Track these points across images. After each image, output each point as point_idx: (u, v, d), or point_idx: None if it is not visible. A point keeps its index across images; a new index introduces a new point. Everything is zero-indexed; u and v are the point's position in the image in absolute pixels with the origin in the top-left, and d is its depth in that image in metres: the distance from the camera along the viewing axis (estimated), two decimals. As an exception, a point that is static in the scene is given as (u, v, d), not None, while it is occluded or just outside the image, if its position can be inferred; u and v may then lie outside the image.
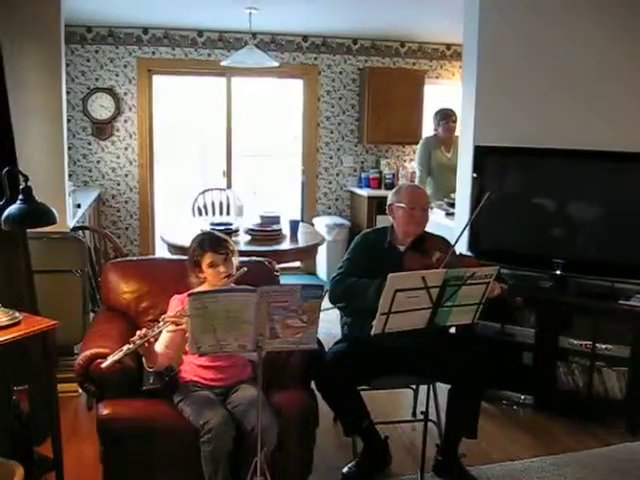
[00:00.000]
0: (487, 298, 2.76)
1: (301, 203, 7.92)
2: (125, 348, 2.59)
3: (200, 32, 7.19)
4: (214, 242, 3.00)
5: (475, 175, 4.29)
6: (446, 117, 6.11)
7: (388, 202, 3.44)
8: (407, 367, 3.24)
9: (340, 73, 7.64)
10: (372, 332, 2.64)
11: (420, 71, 7.72)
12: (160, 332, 2.73)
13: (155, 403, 2.87)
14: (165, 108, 7.58)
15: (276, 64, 5.93)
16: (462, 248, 4.01)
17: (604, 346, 3.89)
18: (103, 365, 2.63)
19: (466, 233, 4.25)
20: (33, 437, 3.04)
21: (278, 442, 2.74)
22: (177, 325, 2.73)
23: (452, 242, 3.28)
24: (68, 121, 5.95)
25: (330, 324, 3.69)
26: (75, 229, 4.61)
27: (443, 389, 3.32)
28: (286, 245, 5.13)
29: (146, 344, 2.65)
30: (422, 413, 2.98)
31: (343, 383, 3.14)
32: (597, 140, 3.98)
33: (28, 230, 3.17)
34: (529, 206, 4.24)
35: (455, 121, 6.06)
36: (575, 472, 3.39)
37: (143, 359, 2.78)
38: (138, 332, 2.64)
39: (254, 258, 3.60)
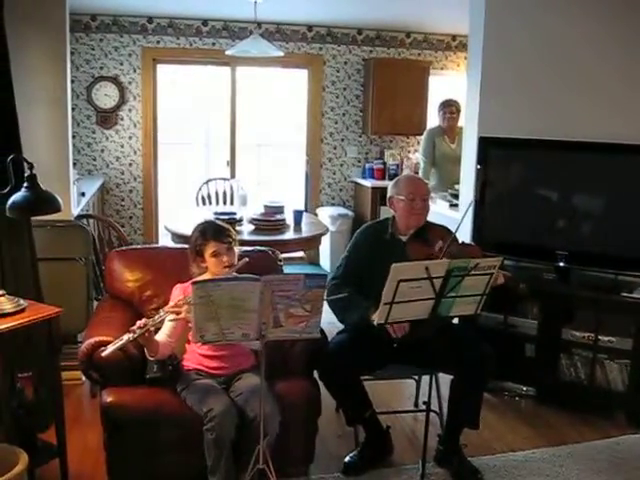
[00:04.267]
0: (491, 287, 2.77)
1: (305, 193, 7.90)
2: (125, 338, 2.61)
3: (205, 21, 7.17)
4: (217, 231, 2.99)
5: (479, 166, 4.29)
6: (445, 106, 6.10)
7: (388, 195, 3.44)
8: (410, 357, 3.25)
9: (345, 63, 7.61)
10: (375, 322, 2.64)
11: (425, 62, 7.69)
12: (160, 322, 2.73)
13: (158, 391, 2.89)
14: (169, 97, 7.57)
15: (281, 54, 5.92)
16: (465, 240, 4.00)
17: (607, 338, 3.89)
18: (103, 354, 2.64)
19: (470, 225, 4.26)
20: (37, 424, 3.07)
21: (280, 430, 2.76)
22: (177, 315, 2.74)
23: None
24: (72, 110, 5.93)
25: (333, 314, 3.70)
26: (79, 217, 4.62)
27: (445, 379, 3.33)
28: (290, 235, 5.13)
29: (146, 334, 2.65)
30: (424, 403, 2.99)
31: (346, 373, 3.15)
32: (602, 132, 3.97)
33: (33, 218, 3.18)
34: (533, 198, 4.23)
35: (455, 111, 6.04)
36: (576, 464, 3.40)
37: (144, 348, 2.79)
38: (138, 322, 2.65)
39: (258, 248, 3.60)
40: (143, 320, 2.65)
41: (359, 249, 3.42)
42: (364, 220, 6.43)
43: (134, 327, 2.62)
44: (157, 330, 2.83)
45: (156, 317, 2.68)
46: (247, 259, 2.94)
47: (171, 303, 2.82)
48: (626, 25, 4.23)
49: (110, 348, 2.60)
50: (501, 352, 3.32)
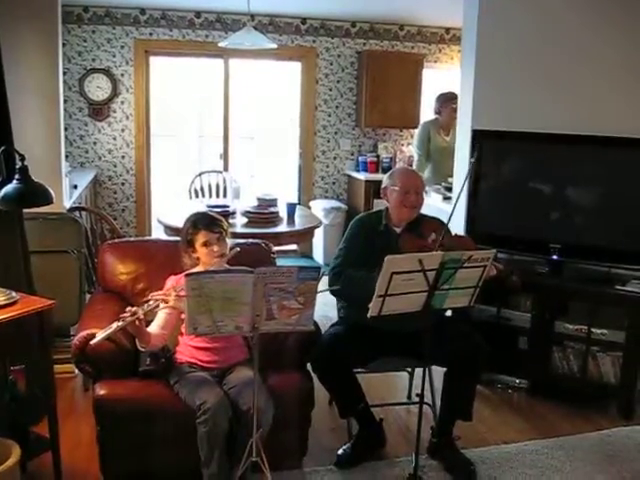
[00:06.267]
0: (484, 279, 2.77)
1: (298, 186, 7.90)
2: (115, 325, 2.57)
3: (198, 13, 7.14)
4: (208, 221, 2.99)
5: (472, 159, 4.28)
6: (451, 99, 6.02)
7: (382, 185, 3.46)
8: (403, 350, 3.26)
9: (338, 56, 7.60)
10: (369, 314, 2.64)
11: (419, 55, 7.69)
12: (150, 310, 2.71)
13: (151, 384, 2.88)
14: (162, 90, 7.54)
15: (274, 46, 5.89)
16: (459, 232, 4.00)
17: (599, 331, 3.90)
18: (92, 342, 2.63)
19: (463, 218, 4.26)
20: (29, 417, 3.05)
21: (273, 423, 2.76)
22: (166, 302, 2.73)
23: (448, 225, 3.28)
24: (65, 102, 5.90)
25: (327, 306, 3.69)
26: (72, 210, 4.60)
27: (438, 372, 3.33)
28: (283, 228, 5.13)
29: (137, 322, 2.62)
30: (417, 396, 2.98)
31: (339, 365, 3.15)
32: (596, 125, 3.97)
33: (24, 210, 3.16)
34: (526, 191, 4.23)
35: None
36: (568, 456, 3.41)
37: (136, 339, 2.77)
38: (128, 309, 2.63)
39: (251, 240, 3.60)
40: (133, 308, 2.64)
41: (354, 241, 3.40)
42: (357, 213, 6.37)
43: (124, 314, 2.60)
44: (149, 323, 2.82)
45: (145, 305, 2.67)
46: (238, 249, 2.94)
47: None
48: (625, 13, 4.21)
49: (99, 336, 2.57)
50: (494, 345, 3.33)
